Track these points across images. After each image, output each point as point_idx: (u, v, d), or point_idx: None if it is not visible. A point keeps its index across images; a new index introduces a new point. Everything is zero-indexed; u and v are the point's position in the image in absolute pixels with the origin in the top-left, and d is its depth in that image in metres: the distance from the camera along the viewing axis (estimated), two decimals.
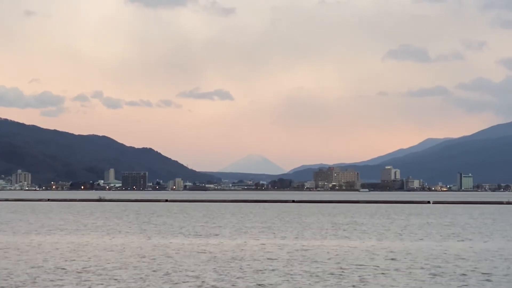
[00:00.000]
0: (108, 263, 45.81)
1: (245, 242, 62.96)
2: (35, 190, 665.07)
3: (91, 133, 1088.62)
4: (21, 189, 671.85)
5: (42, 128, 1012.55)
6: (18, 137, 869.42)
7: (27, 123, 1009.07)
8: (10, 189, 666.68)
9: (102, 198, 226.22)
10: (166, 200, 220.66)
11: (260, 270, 41.75)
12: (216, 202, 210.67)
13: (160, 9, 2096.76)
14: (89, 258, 48.92)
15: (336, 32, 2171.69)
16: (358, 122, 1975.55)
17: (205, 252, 52.88)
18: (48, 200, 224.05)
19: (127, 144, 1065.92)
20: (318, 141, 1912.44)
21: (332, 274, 40.34)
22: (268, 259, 48.17)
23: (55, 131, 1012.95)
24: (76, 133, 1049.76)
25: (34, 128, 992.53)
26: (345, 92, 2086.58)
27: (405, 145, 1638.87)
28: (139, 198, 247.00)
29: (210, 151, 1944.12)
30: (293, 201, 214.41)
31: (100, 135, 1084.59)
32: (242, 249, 55.03)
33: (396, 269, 42.55)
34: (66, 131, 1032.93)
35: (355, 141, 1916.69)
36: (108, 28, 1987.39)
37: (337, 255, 51.26)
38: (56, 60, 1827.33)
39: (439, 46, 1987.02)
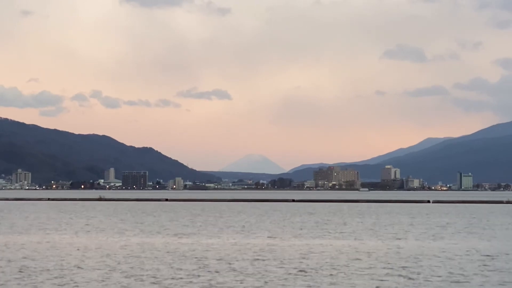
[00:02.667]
0: (71, 262, 46.14)
1: (216, 241, 63.16)
2: (35, 189, 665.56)
3: (90, 132, 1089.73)
4: (21, 189, 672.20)
5: (42, 128, 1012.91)
6: (18, 137, 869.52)
7: (26, 122, 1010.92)
8: (10, 189, 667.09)
9: (102, 197, 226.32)
10: (166, 200, 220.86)
11: (215, 270, 41.88)
12: (216, 201, 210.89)
13: (156, 9, 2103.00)
14: (53, 257, 49.11)
15: (332, 32, 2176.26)
16: (358, 122, 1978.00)
17: (166, 251, 53.09)
18: (48, 199, 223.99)
19: (127, 143, 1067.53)
20: (318, 141, 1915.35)
21: (289, 273, 40.61)
22: (233, 258, 48.45)
23: (55, 130, 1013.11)
24: (75, 132, 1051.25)
25: (34, 128, 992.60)
26: (342, 92, 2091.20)
27: (405, 145, 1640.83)
28: (139, 197, 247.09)
29: (210, 151, 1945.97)
30: (293, 200, 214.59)
31: (100, 134, 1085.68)
32: (207, 250, 55.03)
33: (355, 268, 42.73)
34: (66, 130, 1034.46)
35: (355, 140, 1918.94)
36: (105, 27, 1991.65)
37: (301, 254, 51.51)
38: (54, 59, 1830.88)
39: (435, 46, 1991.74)
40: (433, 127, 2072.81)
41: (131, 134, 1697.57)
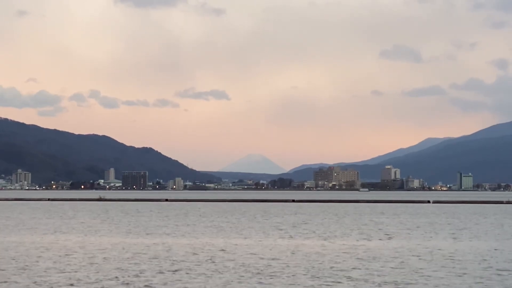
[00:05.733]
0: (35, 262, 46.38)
1: (188, 242, 63.09)
2: (35, 189, 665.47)
3: (88, 132, 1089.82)
4: (21, 189, 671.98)
5: (42, 128, 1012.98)
6: (18, 137, 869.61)
7: (25, 122, 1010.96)
8: (10, 189, 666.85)
9: (102, 197, 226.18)
10: (166, 200, 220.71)
11: (174, 269, 41.91)
12: (216, 202, 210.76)
13: (150, 9, 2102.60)
14: (19, 257, 49.12)
15: (328, 33, 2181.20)
16: (357, 122, 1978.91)
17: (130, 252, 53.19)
18: (49, 199, 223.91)
19: (126, 143, 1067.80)
20: (318, 141, 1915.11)
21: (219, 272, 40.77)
22: (193, 258, 48.60)
23: (55, 130, 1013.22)
24: (74, 132, 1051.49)
25: (34, 128, 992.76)
26: (339, 92, 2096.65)
27: (405, 145, 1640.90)
28: (139, 197, 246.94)
29: (210, 151, 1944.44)
30: (293, 201, 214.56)
31: (100, 134, 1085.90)
32: (168, 249, 55.18)
33: (307, 268, 42.57)
34: (64, 130, 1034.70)
35: (354, 140, 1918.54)
36: (101, 27, 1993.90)
37: (248, 253, 51.50)
38: (52, 59, 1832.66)
39: (431, 47, 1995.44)
40: (432, 127, 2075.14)
41: (130, 134, 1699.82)
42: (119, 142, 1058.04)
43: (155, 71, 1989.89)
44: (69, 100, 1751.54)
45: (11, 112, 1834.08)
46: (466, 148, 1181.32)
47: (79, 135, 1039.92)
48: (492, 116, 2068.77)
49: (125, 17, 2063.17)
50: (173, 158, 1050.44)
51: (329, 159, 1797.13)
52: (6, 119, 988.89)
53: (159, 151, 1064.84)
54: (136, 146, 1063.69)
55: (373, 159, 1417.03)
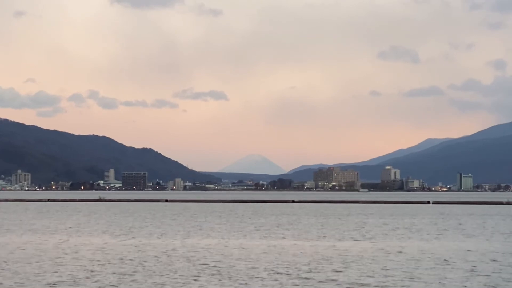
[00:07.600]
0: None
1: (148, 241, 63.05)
2: (35, 190, 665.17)
3: (87, 132, 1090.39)
4: (21, 189, 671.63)
5: (42, 128, 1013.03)
6: (17, 137, 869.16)
7: (25, 123, 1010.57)
8: (10, 189, 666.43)
9: (102, 198, 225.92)
10: (166, 200, 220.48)
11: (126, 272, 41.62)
12: (216, 202, 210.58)
13: (147, 10, 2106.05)
14: None
15: (325, 34, 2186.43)
16: (357, 122, 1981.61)
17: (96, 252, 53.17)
18: (48, 200, 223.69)
19: (126, 144, 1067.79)
20: (317, 142, 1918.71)
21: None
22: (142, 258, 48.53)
23: (54, 131, 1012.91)
24: (73, 132, 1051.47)
25: (33, 128, 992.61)
26: (337, 92, 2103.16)
27: (405, 145, 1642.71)
28: (139, 198, 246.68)
29: (210, 151, 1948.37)
30: (293, 201, 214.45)
31: (100, 135, 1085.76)
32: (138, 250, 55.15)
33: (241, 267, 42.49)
34: (63, 131, 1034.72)
35: (354, 141, 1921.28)
36: (98, 28, 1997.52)
37: (219, 254, 51.48)
38: (50, 60, 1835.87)
39: (429, 48, 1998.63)
40: (431, 127, 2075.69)
41: (129, 135, 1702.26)
42: (118, 143, 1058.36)
43: (153, 71, 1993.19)
44: (68, 101, 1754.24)
45: (10, 112, 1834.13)
46: (466, 148, 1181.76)
47: (79, 136, 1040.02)
48: (491, 116, 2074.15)
49: (122, 17, 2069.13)
50: (172, 159, 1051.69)
51: (329, 159, 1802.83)
52: (5, 120, 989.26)
53: (158, 151, 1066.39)
54: (136, 146, 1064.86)
55: (373, 159, 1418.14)
